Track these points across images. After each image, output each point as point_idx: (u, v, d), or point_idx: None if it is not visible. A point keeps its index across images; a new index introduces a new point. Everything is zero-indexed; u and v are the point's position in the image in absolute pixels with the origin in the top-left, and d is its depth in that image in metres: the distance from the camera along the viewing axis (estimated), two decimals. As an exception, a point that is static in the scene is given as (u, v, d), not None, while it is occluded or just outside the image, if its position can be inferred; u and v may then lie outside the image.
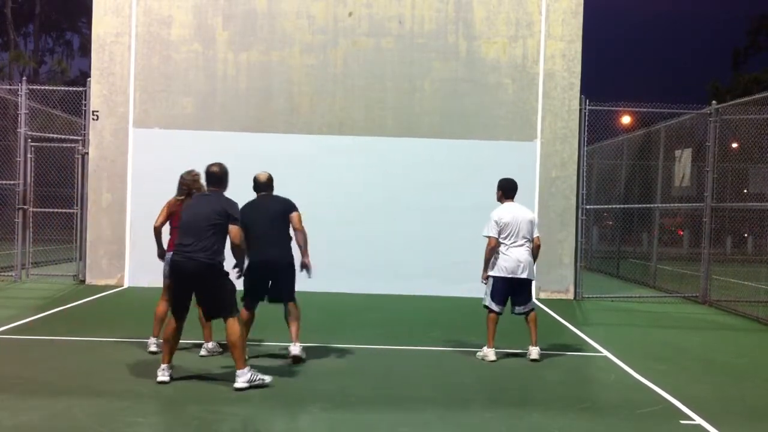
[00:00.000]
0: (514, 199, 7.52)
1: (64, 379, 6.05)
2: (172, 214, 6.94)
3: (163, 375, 5.88)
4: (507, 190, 7.49)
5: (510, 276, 7.18)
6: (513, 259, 7.17)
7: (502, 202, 7.46)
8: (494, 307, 7.24)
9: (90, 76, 12.43)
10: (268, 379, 5.90)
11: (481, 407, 5.58)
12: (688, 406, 5.74)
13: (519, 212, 7.32)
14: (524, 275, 7.20)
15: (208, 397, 5.64)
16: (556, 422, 5.27)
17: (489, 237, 7.26)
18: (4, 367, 6.35)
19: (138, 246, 12.07)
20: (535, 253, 7.34)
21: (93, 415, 5.06)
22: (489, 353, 7.16)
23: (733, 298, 12.22)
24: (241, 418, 5.17)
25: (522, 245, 7.21)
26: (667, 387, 6.31)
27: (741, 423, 5.49)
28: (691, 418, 5.46)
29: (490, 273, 7.28)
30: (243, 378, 5.75)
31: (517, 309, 7.34)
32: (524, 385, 6.41)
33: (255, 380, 5.80)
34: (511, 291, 7.26)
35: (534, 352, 7.20)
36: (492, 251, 7.23)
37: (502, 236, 7.21)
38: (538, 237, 7.40)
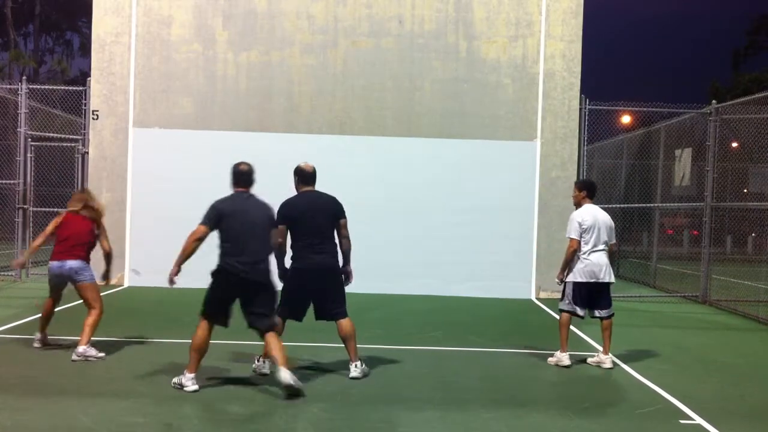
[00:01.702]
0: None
1: (64, 379, 6.05)
2: (58, 225, 7.14)
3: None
4: (592, 191, 7.25)
5: (593, 281, 7.01)
6: (594, 263, 6.97)
7: (581, 204, 7.19)
8: (579, 312, 7.06)
9: (90, 76, 12.44)
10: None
11: (481, 407, 5.58)
12: (687, 406, 5.74)
13: (600, 215, 7.12)
14: (606, 279, 7.04)
15: (208, 397, 5.64)
16: (556, 422, 5.27)
17: (571, 239, 7.02)
18: (4, 367, 6.35)
19: (138, 246, 12.09)
20: (610, 258, 7.16)
21: (93, 415, 5.06)
22: (563, 358, 7.00)
23: (733, 298, 12.22)
24: (241, 418, 5.17)
25: (602, 250, 7.03)
26: (667, 387, 6.31)
27: (741, 423, 5.49)
28: (690, 418, 5.47)
29: (573, 279, 7.04)
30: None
31: (598, 312, 7.14)
32: (524, 385, 6.41)
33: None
34: (593, 295, 7.10)
35: (608, 361, 7.06)
36: (573, 254, 7.00)
37: (582, 239, 6.99)
38: (615, 243, 7.25)
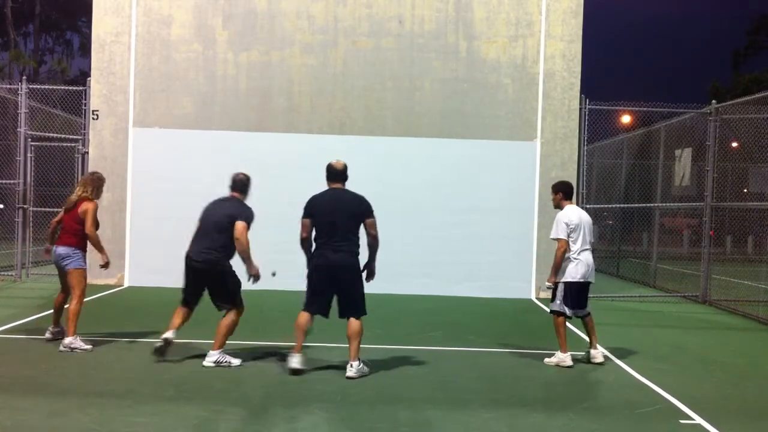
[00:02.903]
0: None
1: (64, 379, 6.05)
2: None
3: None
4: (567, 192, 7.31)
5: (583, 280, 7.08)
6: (584, 263, 7.06)
7: (561, 206, 7.26)
8: (568, 312, 7.09)
9: (90, 76, 12.43)
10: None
11: (481, 407, 5.58)
12: (688, 406, 5.74)
13: (583, 215, 7.21)
14: (592, 278, 7.17)
15: (208, 397, 5.64)
16: (556, 422, 5.28)
17: (560, 239, 7.06)
18: (4, 367, 6.35)
19: (138, 246, 12.09)
20: None
21: (93, 415, 5.06)
22: (566, 359, 7.00)
23: (733, 298, 12.23)
24: (241, 418, 5.17)
25: (588, 249, 7.13)
26: (667, 387, 6.31)
27: (741, 423, 5.49)
28: (690, 418, 5.47)
29: (565, 279, 7.07)
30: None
31: (581, 312, 7.22)
32: (524, 385, 6.41)
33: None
34: (582, 294, 7.17)
35: (599, 355, 7.14)
36: (563, 254, 7.04)
37: (570, 239, 7.05)
38: (594, 241, 7.36)
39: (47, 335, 7.38)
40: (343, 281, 6.35)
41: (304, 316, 6.40)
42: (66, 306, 7.30)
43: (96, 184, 7.34)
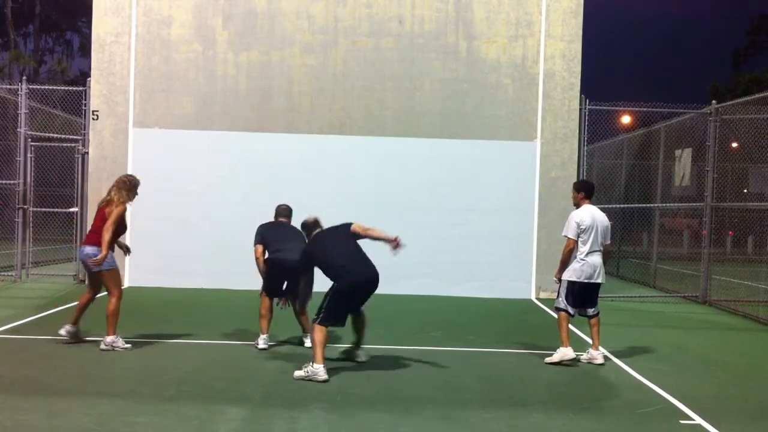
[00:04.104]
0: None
1: (64, 379, 6.05)
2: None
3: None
4: (587, 192, 7.34)
5: (587, 281, 7.13)
6: (590, 264, 7.10)
7: (580, 205, 7.30)
8: (570, 310, 7.16)
9: (90, 76, 12.43)
10: None
11: (481, 407, 5.58)
12: (688, 406, 5.74)
13: (598, 215, 7.22)
14: (599, 280, 7.19)
15: (208, 397, 5.64)
16: (556, 422, 5.27)
17: (568, 238, 7.14)
18: (4, 367, 6.35)
19: (138, 246, 12.06)
20: (604, 258, 7.28)
21: (93, 415, 5.06)
22: (568, 352, 7.04)
23: (733, 298, 12.22)
24: (241, 418, 5.17)
25: (598, 251, 7.15)
26: (667, 387, 6.31)
27: (741, 423, 5.49)
28: (691, 418, 5.47)
29: (568, 278, 7.15)
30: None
31: (589, 311, 7.27)
32: (524, 385, 6.41)
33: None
34: (584, 294, 7.21)
35: (599, 356, 7.18)
36: (570, 253, 7.12)
37: (580, 239, 7.10)
38: (610, 243, 7.37)
39: (62, 332, 7.24)
40: (371, 290, 6.68)
41: (325, 331, 6.38)
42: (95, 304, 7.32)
43: (126, 187, 7.34)
